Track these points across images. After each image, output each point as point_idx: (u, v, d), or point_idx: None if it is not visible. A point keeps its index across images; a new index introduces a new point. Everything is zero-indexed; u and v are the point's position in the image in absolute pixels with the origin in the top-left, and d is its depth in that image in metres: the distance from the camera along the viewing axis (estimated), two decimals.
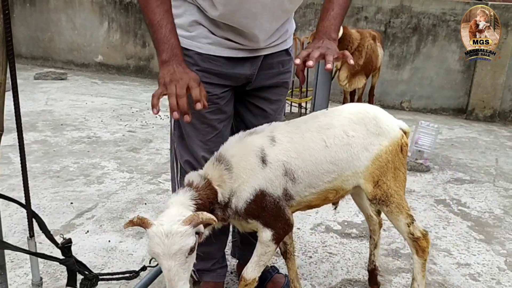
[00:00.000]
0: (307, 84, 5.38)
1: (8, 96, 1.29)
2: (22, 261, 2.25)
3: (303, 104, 5.34)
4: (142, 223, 1.31)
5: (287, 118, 5.33)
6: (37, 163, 3.59)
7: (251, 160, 1.55)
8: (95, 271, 2.24)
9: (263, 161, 1.55)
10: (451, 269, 2.43)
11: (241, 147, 1.58)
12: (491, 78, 5.90)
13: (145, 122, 4.96)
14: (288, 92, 5.14)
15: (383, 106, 6.32)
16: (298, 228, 2.76)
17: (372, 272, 2.17)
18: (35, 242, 1.52)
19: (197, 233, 1.36)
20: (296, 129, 1.63)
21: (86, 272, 1.51)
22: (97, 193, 3.12)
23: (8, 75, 1.27)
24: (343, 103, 4.95)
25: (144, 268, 1.60)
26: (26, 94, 5.74)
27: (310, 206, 1.71)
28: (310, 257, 2.48)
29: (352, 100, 5.32)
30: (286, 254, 1.92)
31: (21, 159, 1.41)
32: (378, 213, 2.11)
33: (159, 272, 2.00)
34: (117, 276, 1.56)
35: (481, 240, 2.77)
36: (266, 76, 1.79)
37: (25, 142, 4.41)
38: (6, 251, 1.48)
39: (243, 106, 1.89)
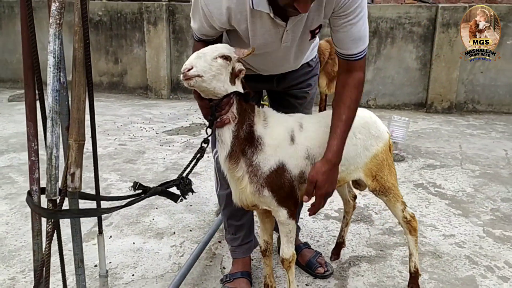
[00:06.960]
0: None
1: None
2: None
3: None
4: None
5: None
6: None
7: (283, 133, 1.72)
8: (129, 269, 2.47)
9: (292, 139, 1.73)
10: (439, 240, 2.80)
11: (279, 118, 1.77)
12: (446, 74, 6.46)
13: (133, 135, 5.13)
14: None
15: None
16: (301, 218, 3.05)
17: (340, 244, 2.54)
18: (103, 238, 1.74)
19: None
20: (318, 123, 1.83)
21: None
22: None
23: None
24: (320, 103, 5.31)
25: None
26: (5, 116, 5.76)
27: None
28: (318, 240, 2.78)
29: (325, 100, 5.71)
30: (266, 252, 2.06)
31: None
32: (354, 198, 2.45)
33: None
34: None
35: (460, 214, 3.16)
36: (290, 84, 2.12)
37: (20, 162, 4.39)
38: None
39: (277, 98, 2.23)
